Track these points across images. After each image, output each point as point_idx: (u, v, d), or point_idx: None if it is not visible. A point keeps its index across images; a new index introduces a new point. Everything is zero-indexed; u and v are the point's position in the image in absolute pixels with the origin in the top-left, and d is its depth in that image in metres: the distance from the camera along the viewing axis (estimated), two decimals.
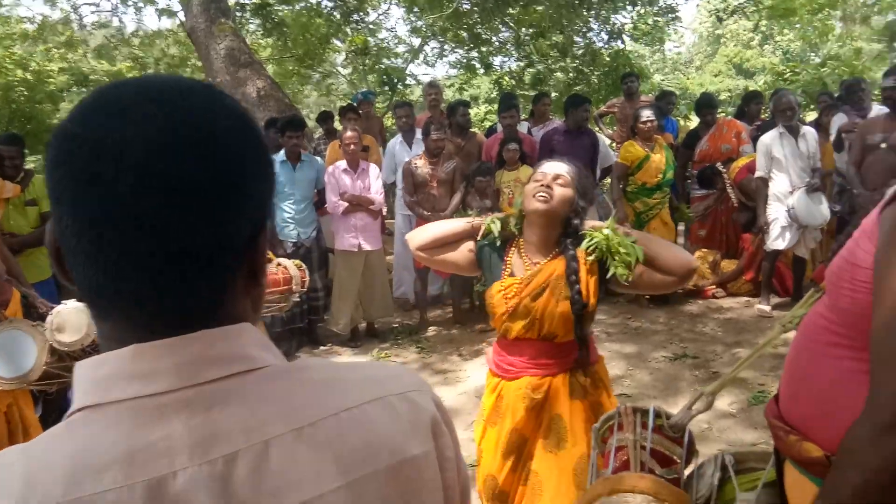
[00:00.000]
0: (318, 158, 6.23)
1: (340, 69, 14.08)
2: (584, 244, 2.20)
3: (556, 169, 2.24)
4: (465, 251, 2.34)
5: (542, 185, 2.19)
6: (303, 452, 0.59)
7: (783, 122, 5.63)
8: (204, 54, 10.18)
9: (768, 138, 5.70)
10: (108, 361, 0.58)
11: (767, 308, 5.79)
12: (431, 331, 6.10)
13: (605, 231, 2.17)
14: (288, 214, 5.70)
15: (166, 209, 0.56)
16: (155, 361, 0.57)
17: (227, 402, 0.58)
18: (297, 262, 4.08)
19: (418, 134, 6.56)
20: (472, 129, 7.52)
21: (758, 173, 5.77)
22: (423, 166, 5.91)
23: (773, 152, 5.63)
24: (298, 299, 4.29)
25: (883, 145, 5.11)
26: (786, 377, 1.26)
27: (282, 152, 5.74)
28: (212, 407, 0.57)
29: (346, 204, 5.66)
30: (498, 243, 2.30)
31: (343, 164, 5.75)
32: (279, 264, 3.97)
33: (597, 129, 7.37)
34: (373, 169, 5.90)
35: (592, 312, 2.23)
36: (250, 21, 11.24)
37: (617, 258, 2.12)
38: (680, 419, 1.79)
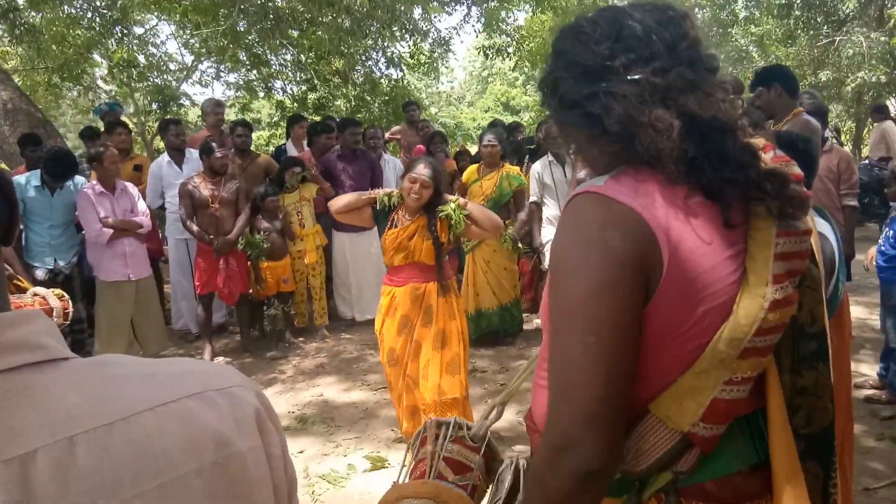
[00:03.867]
0: (81, 178, 5.61)
1: (101, 84, 12.87)
2: (440, 211, 3.59)
3: (421, 174, 3.50)
4: (366, 212, 3.71)
5: (413, 188, 3.50)
6: (116, 449, 0.53)
7: (552, 149, 6.10)
8: None
9: (539, 166, 6.08)
10: None
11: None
12: (219, 361, 5.72)
13: (452, 205, 3.59)
14: (43, 239, 5.05)
15: None
16: None
17: (23, 394, 0.51)
18: (59, 291, 3.62)
19: (188, 154, 6.21)
20: (257, 152, 7.33)
21: (531, 198, 6.14)
22: (202, 186, 5.56)
23: (544, 179, 6.03)
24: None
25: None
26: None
27: (37, 174, 5.11)
28: (2, 400, 0.51)
29: (111, 231, 5.12)
30: (387, 209, 3.65)
31: (98, 185, 5.19)
32: (35, 294, 3.48)
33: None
34: (131, 188, 5.42)
35: (446, 247, 3.63)
36: None
37: (454, 222, 3.57)
38: (477, 430, 1.90)
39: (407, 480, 1.71)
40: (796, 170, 1.13)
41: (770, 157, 1.13)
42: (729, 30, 16.98)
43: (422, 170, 3.52)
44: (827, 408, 1.16)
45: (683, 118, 1.03)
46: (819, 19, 14.50)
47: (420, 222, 3.57)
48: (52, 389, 0.53)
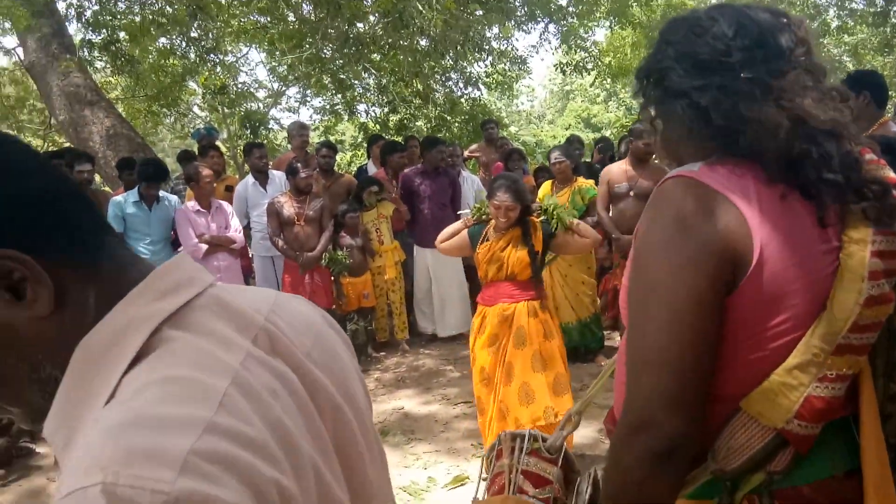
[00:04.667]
0: (174, 197, 5.93)
1: (197, 111, 13.57)
2: (536, 207, 3.77)
3: (503, 200, 3.52)
4: (462, 238, 3.80)
5: (498, 214, 3.56)
6: (293, 316, 0.79)
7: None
8: (45, 93, 9.54)
9: None
10: (154, 286, 0.68)
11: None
12: None
13: (550, 200, 3.81)
14: (144, 255, 5.35)
15: None
16: (184, 272, 0.71)
17: (229, 296, 0.73)
18: None
19: (271, 175, 6.45)
20: (341, 172, 7.55)
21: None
22: (288, 205, 5.78)
23: None
24: None
25: (631, 193, 5.50)
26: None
27: (135, 192, 5.45)
28: (230, 293, 0.74)
29: (206, 246, 5.40)
30: (478, 224, 3.76)
31: (194, 204, 5.49)
32: None
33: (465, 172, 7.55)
34: (226, 206, 5.70)
35: (539, 259, 3.66)
36: (98, 58, 10.59)
37: (556, 219, 3.69)
38: (553, 441, 1.87)
39: (486, 495, 1.71)
40: (890, 173, 1.11)
41: (866, 159, 1.12)
42: (820, 40, 16.33)
43: (502, 196, 3.53)
44: None
45: (794, 119, 1.04)
46: None
47: (514, 234, 3.62)
48: (233, 294, 0.74)
